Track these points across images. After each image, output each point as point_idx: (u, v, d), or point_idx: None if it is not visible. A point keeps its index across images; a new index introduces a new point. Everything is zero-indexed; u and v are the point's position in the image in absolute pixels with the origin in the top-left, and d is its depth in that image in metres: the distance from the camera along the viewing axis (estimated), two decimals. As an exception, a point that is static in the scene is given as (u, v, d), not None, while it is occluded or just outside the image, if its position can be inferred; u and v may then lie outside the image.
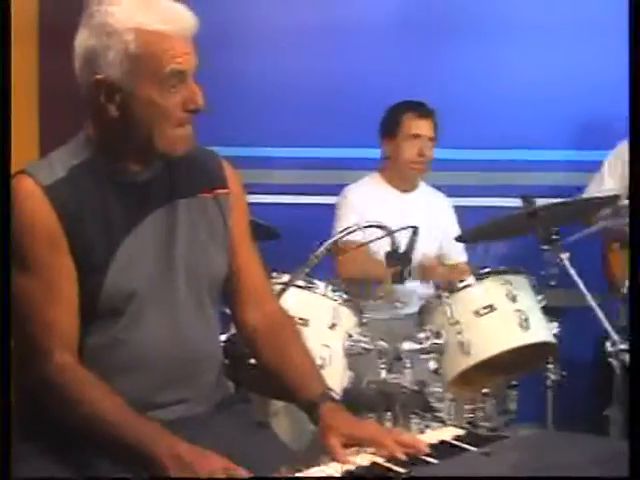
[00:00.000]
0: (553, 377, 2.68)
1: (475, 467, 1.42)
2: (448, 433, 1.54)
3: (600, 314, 2.23)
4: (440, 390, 2.48)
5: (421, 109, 2.95)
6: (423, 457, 1.40)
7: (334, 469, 1.37)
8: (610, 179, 3.11)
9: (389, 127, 2.99)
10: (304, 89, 3.57)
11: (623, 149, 3.10)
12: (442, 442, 1.47)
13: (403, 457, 1.39)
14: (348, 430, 1.49)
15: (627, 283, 2.68)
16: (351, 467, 1.38)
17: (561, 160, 3.59)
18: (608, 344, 2.21)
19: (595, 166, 3.23)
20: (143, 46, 1.41)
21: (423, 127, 2.93)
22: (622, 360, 2.20)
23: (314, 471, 1.36)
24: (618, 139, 3.18)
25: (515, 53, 3.61)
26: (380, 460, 1.40)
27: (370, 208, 2.88)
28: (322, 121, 3.54)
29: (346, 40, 3.58)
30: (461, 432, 1.55)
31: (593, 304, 2.24)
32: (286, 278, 2.25)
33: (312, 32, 3.62)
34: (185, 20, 1.45)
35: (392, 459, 1.39)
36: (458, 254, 3.01)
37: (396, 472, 1.35)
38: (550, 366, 2.66)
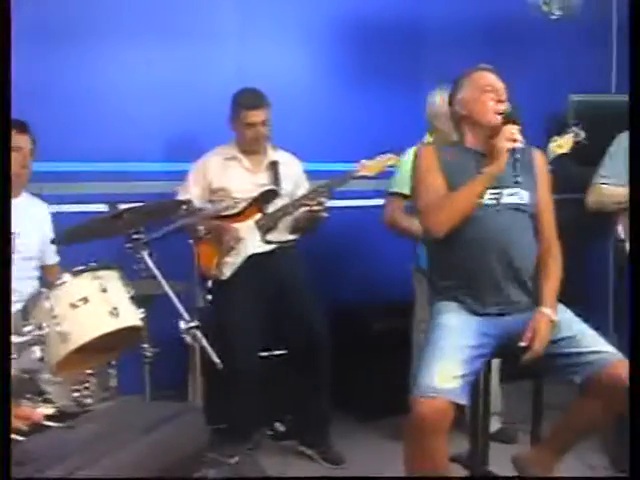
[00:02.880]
0: (148, 354, 3.00)
1: (60, 439, 1.66)
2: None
3: (174, 299, 2.58)
4: (48, 375, 2.64)
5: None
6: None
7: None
8: (195, 187, 3.49)
9: None
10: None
11: (204, 162, 3.50)
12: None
13: (24, 427, 1.61)
14: None
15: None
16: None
17: (152, 171, 3.89)
18: (182, 323, 2.58)
19: (181, 176, 3.57)
20: None
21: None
22: (193, 335, 2.58)
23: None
24: (202, 152, 3.57)
25: (114, 67, 3.80)
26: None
27: None
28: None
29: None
30: (51, 411, 1.78)
31: (169, 291, 2.58)
32: None
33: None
34: None
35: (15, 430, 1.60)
36: (52, 256, 3.23)
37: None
38: (145, 345, 2.98)
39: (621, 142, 3.45)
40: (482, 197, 2.66)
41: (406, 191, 3.55)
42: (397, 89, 3.91)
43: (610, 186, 3.42)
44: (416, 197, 2.80)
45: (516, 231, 2.72)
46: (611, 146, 3.48)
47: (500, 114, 2.70)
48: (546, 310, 2.64)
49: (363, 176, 3.45)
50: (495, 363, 3.02)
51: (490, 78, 2.78)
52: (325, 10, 4.23)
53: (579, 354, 2.59)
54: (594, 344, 2.60)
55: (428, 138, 3.67)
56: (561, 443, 2.75)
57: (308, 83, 4.21)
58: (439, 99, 3.63)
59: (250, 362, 3.34)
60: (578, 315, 2.73)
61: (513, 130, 2.64)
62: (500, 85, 2.77)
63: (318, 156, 3.92)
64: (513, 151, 2.65)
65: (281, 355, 3.68)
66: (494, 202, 2.69)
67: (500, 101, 2.73)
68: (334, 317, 3.57)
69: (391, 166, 3.50)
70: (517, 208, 2.73)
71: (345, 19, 4.26)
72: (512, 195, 2.72)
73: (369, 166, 3.44)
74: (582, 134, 3.56)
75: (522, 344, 2.57)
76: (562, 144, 3.58)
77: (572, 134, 3.60)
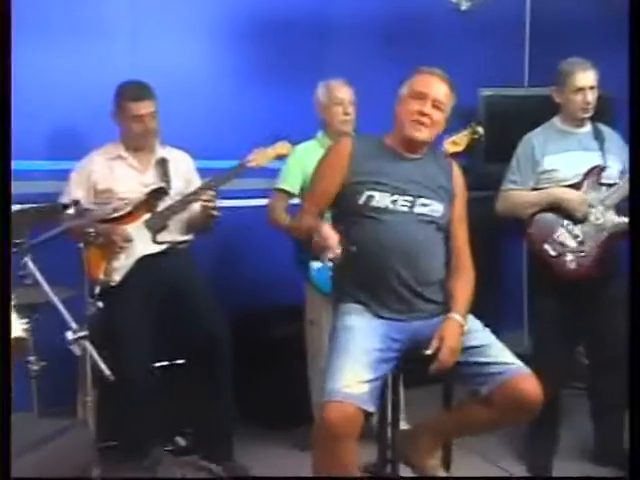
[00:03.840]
0: (35, 367, 2.98)
1: None
2: None
3: (60, 307, 2.56)
4: None
5: None
6: None
7: None
8: (78, 189, 3.46)
9: None
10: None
11: (87, 163, 3.49)
12: None
13: None
14: None
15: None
16: None
17: (37, 169, 3.86)
18: (69, 333, 2.56)
19: (66, 175, 3.52)
20: None
21: None
22: (82, 345, 2.56)
23: None
24: (90, 150, 3.55)
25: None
26: None
27: None
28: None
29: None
30: None
31: (53, 299, 2.56)
32: None
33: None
34: None
35: None
36: None
37: None
38: (31, 358, 2.96)
39: (527, 143, 3.54)
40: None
41: (290, 188, 3.64)
42: (299, 84, 3.96)
43: (521, 191, 3.52)
44: (308, 188, 2.88)
45: (424, 241, 2.78)
46: (517, 149, 3.56)
47: (422, 125, 2.74)
48: (456, 316, 2.71)
49: (256, 166, 3.49)
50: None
51: (426, 84, 2.77)
52: (224, 3, 4.25)
53: (484, 364, 2.67)
54: (500, 355, 2.69)
55: (321, 135, 3.74)
56: (442, 434, 2.86)
57: (204, 78, 4.21)
58: (322, 92, 3.73)
59: (144, 372, 3.34)
60: (487, 325, 2.83)
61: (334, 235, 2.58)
62: (434, 95, 2.75)
63: (215, 153, 3.93)
64: None
65: (179, 364, 3.68)
66: (406, 209, 2.77)
67: (422, 113, 2.74)
68: (232, 323, 3.59)
69: (285, 155, 3.56)
70: (428, 220, 2.80)
71: (245, 12, 4.27)
72: (425, 206, 2.79)
73: (261, 155, 3.50)
74: (480, 131, 3.62)
75: (428, 352, 2.64)
76: (457, 142, 3.62)
77: (469, 131, 3.66)
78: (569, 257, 3.41)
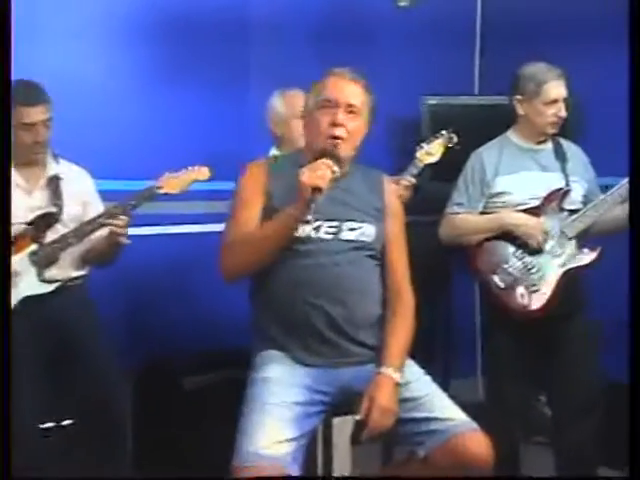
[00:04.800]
0: None
1: None
2: None
3: None
4: None
5: None
6: None
7: None
8: None
9: None
10: None
11: None
12: None
13: None
14: None
15: None
16: None
17: None
18: None
19: None
20: None
21: None
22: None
23: None
24: None
25: None
26: None
27: None
28: None
29: None
30: None
31: None
32: None
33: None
34: None
35: None
36: None
37: None
38: None
39: (476, 161, 3.49)
40: (285, 241, 2.62)
41: None
42: (221, 91, 3.85)
43: (467, 215, 3.45)
44: (224, 230, 2.76)
45: (354, 273, 2.69)
46: (465, 167, 3.51)
47: (335, 138, 2.63)
48: (388, 371, 2.60)
49: (166, 193, 3.35)
50: (348, 422, 3.00)
51: (335, 89, 2.69)
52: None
53: (421, 420, 2.58)
54: (440, 409, 2.60)
55: (274, 151, 3.66)
56: None
57: (105, 82, 4.01)
58: (279, 102, 3.67)
59: (29, 435, 3.20)
60: (431, 373, 2.74)
61: (326, 166, 2.53)
62: (346, 100, 2.66)
63: (120, 172, 3.79)
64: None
65: (70, 424, 3.52)
66: (330, 237, 2.67)
67: (336, 124, 2.64)
68: (142, 371, 3.44)
69: (203, 181, 3.43)
70: (359, 246, 2.70)
71: (155, 9, 4.12)
72: (353, 230, 2.70)
73: (173, 180, 3.36)
74: (454, 138, 3.61)
75: (357, 418, 2.54)
76: (431, 151, 3.61)
77: (443, 139, 3.64)
78: (519, 290, 3.33)
